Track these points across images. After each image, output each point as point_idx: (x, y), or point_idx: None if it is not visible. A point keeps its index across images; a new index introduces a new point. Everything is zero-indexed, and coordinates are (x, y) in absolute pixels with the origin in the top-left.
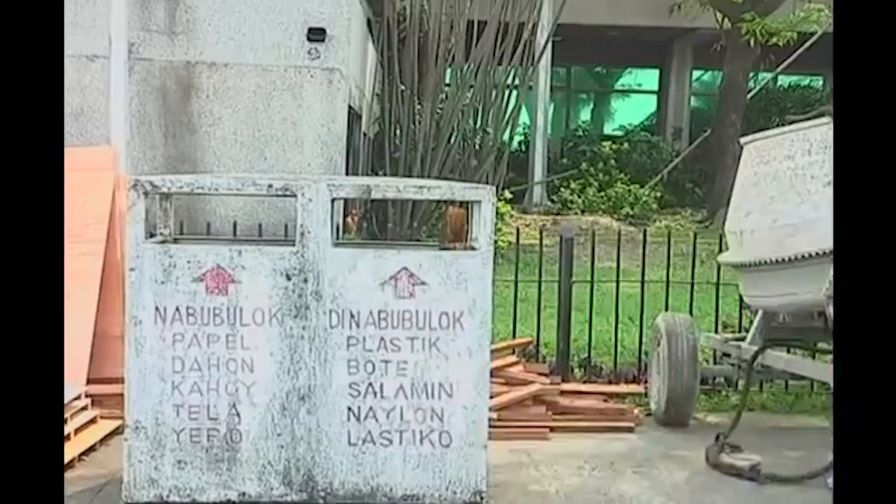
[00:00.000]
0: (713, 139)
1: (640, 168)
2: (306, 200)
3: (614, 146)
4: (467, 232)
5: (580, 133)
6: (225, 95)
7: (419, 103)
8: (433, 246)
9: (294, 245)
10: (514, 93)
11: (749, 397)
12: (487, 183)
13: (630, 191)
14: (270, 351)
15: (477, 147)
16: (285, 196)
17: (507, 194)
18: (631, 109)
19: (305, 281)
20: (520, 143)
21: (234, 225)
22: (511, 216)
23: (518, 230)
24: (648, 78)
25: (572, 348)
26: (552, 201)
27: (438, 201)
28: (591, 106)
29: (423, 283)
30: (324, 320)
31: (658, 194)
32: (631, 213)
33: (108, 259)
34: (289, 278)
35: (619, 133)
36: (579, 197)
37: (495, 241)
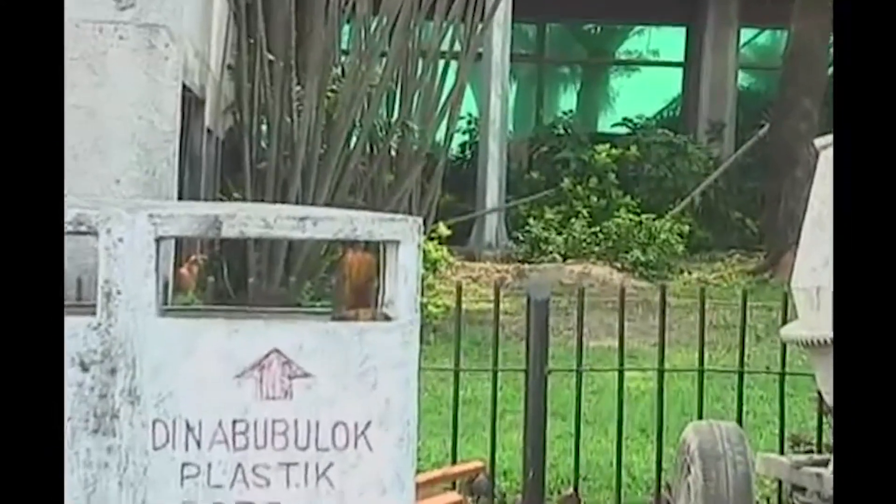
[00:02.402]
0: (774, 139)
1: (656, 187)
2: (114, 241)
3: (615, 152)
4: (378, 291)
5: (560, 131)
6: None
7: (299, 82)
8: (322, 314)
9: (94, 313)
10: (453, 65)
11: None
12: (411, 212)
13: (641, 224)
14: None
15: (393, 153)
16: (78, 234)
17: (443, 230)
18: (642, 92)
19: (112, 372)
20: (463, 146)
21: None
22: (449, 265)
23: (460, 288)
24: (670, 41)
25: (549, 479)
26: (515, 241)
27: (331, 242)
28: (578, 87)
29: (305, 375)
30: (143, 437)
31: (686, 229)
32: (642, 259)
33: None
34: (85, 368)
35: (623, 131)
36: (559, 234)
37: (423, 307)
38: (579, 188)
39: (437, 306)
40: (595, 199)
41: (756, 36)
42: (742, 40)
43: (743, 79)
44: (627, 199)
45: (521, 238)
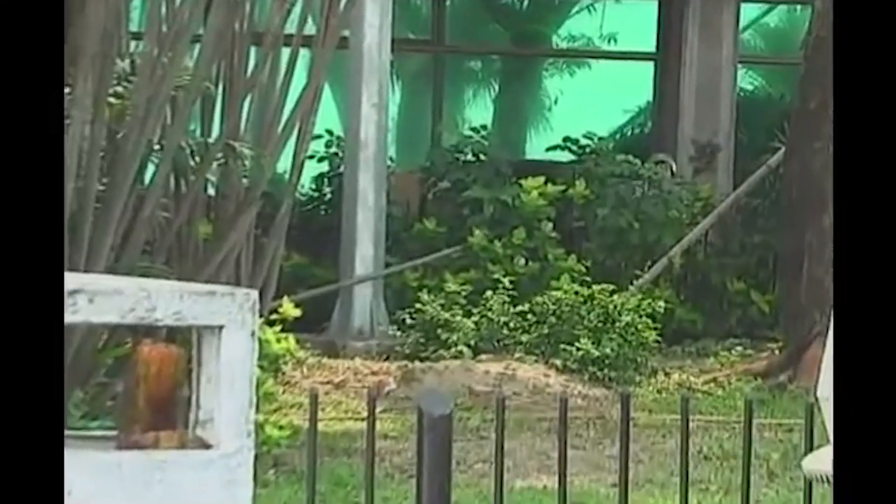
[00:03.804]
0: (792, 170)
1: (616, 243)
2: None
3: (552, 189)
4: (189, 404)
5: (469, 157)
6: None
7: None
8: (102, 439)
9: None
10: (304, 57)
11: None
12: (239, 282)
13: (593, 299)
14: None
15: (212, 191)
16: None
17: (290, 309)
18: (594, 99)
19: None
20: (319, 181)
21: None
22: (299, 363)
23: (316, 398)
24: (635, 23)
25: None
26: (401, 325)
27: (115, 328)
28: (496, 90)
29: None
30: None
31: (661, 307)
32: (595, 353)
33: None
34: None
35: (565, 157)
36: (468, 315)
37: (259, 428)
38: (498, 245)
39: (281, 427)
40: (522, 261)
41: (764, 15)
42: (743, 22)
43: (745, 79)
44: (571, 261)
45: (410, 321)
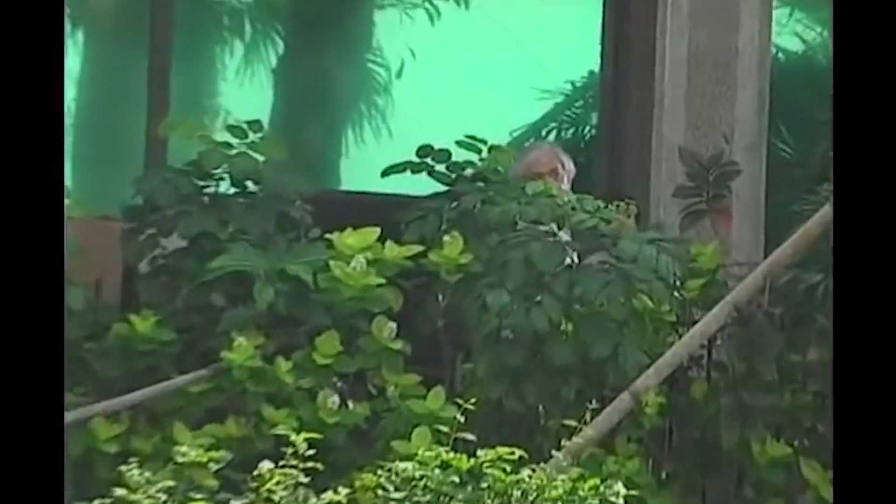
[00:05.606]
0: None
1: (525, 362)
2: None
3: (395, 252)
4: None
5: (221, 186)
6: None
7: None
8: None
9: None
10: None
11: None
12: None
13: (479, 477)
14: None
15: None
16: None
17: None
18: (481, 72)
19: None
20: None
21: None
22: None
23: None
24: None
25: None
26: None
27: None
28: (277, 55)
29: None
30: None
31: (616, 494)
32: None
33: None
34: None
35: (422, 186)
36: None
37: None
38: (284, 366)
39: None
40: (334, 399)
41: None
42: None
43: (788, 32)
44: (435, 399)
45: None
